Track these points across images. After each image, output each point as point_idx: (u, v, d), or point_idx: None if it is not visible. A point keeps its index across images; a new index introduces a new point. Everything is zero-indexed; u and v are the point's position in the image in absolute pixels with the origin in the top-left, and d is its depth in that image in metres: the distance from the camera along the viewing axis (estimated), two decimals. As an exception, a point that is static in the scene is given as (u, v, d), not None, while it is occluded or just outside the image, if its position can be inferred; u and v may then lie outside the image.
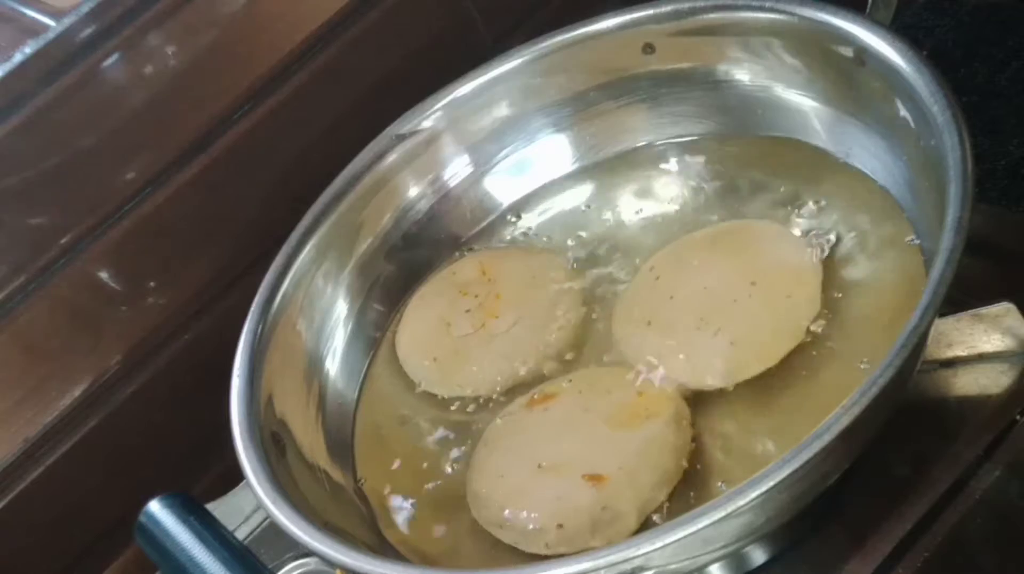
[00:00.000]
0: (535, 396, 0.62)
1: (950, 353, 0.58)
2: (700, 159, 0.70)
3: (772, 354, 0.58)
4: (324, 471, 0.63)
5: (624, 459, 0.56)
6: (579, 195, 0.73)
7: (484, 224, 0.74)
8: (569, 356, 0.65)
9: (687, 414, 0.58)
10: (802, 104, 0.66)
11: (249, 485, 0.56)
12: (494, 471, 0.59)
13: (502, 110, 0.73)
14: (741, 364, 0.58)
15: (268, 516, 0.55)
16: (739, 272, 0.61)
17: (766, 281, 0.60)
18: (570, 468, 0.56)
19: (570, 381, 0.62)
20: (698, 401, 0.59)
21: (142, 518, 0.58)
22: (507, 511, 0.57)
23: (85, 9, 0.65)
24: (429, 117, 0.72)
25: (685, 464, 0.56)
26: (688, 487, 0.56)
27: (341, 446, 0.65)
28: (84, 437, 0.72)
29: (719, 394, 0.58)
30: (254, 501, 0.56)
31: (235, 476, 0.59)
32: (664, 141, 0.72)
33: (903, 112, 0.58)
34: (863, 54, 0.59)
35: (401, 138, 0.72)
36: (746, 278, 0.60)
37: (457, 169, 0.74)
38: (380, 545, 0.59)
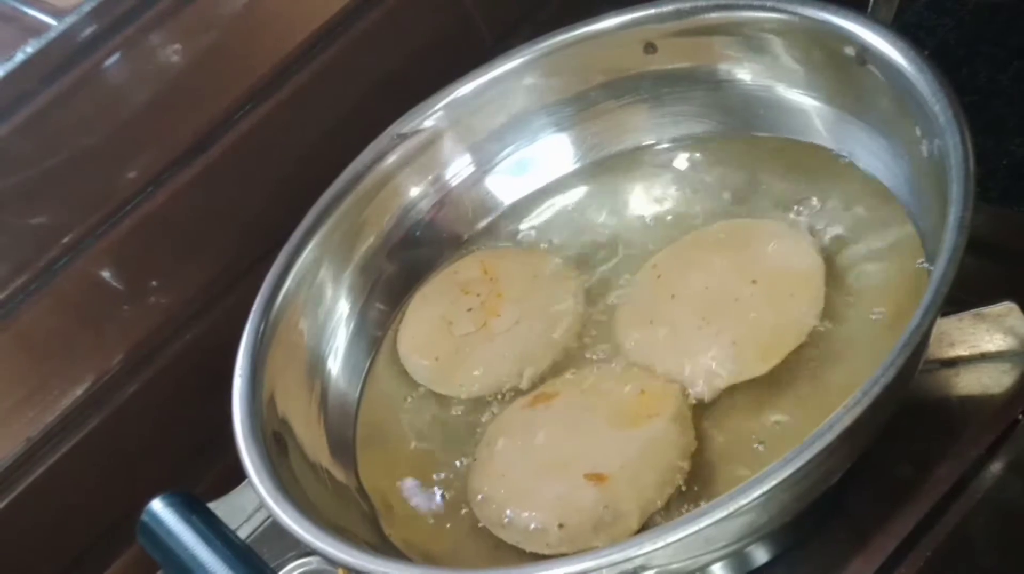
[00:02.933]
0: (536, 394, 0.62)
1: (952, 353, 0.58)
2: (702, 158, 0.70)
3: (774, 353, 0.58)
4: (326, 470, 0.63)
5: (626, 458, 0.56)
6: (581, 194, 0.73)
7: (486, 223, 0.74)
8: (571, 355, 0.64)
9: (689, 413, 0.58)
10: (804, 103, 0.66)
11: (251, 484, 0.56)
12: (495, 471, 0.59)
13: (503, 110, 0.73)
14: (743, 363, 0.58)
15: (270, 515, 0.55)
16: (741, 271, 0.61)
17: (768, 280, 0.60)
18: (572, 468, 0.56)
19: (571, 379, 0.62)
20: (701, 400, 0.59)
21: (144, 517, 0.58)
22: (508, 511, 0.57)
23: (86, 8, 0.65)
24: (430, 117, 0.72)
25: (687, 463, 0.56)
26: (691, 486, 0.56)
27: (343, 445, 0.65)
28: (86, 436, 0.72)
29: (722, 393, 0.58)
30: (256, 500, 0.56)
31: (237, 475, 0.59)
32: (666, 140, 0.72)
33: (905, 111, 0.58)
34: (865, 53, 0.59)
35: (402, 138, 0.72)
36: (748, 277, 0.60)
37: (459, 169, 0.74)
38: (382, 544, 0.59)
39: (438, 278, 0.71)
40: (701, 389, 0.59)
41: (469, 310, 0.67)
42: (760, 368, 0.58)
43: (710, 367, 0.58)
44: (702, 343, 0.59)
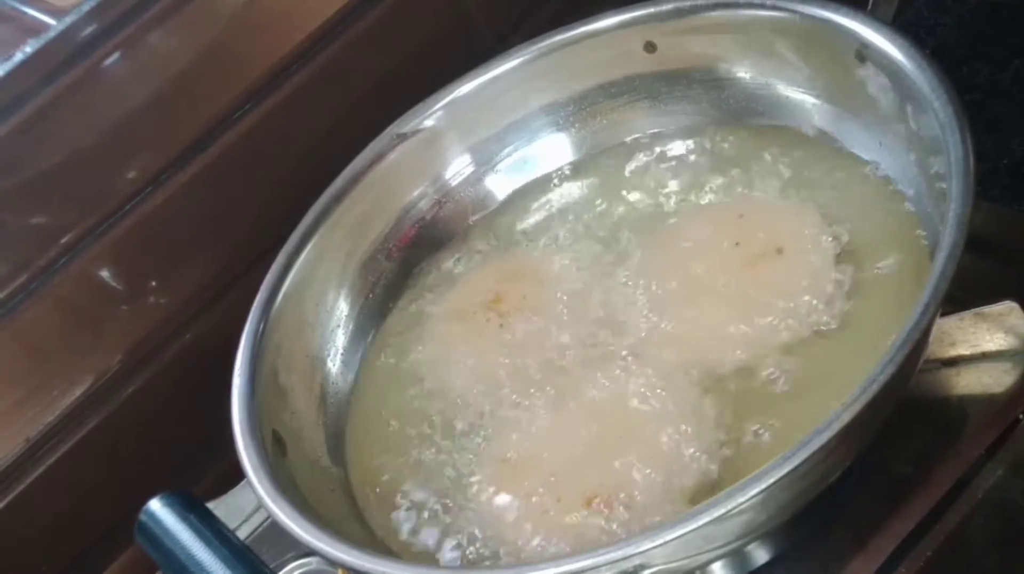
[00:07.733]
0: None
1: (953, 352, 0.58)
2: (701, 154, 0.70)
3: None
4: (325, 470, 0.63)
5: None
6: (581, 193, 0.72)
7: (485, 224, 0.74)
8: (576, 351, 0.64)
9: None
10: (804, 101, 0.66)
11: (250, 484, 0.56)
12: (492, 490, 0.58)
13: (503, 109, 0.73)
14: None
15: (269, 515, 0.55)
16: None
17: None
18: (579, 485, 0.55)
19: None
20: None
21: (142, 516, 0.58)
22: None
23: (86, 8, 0.65)
24: (430, 116, 0.72)
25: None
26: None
27: (342, 445, 0.65)
28: (85, 436, 0.72)
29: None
30: (255, 500, 0.56)
31: (236, 475, 0.59)
32: (665, 138, 0.71)
33: (905, 110, 0.58)
34: (865, 51, 0.59)
35: (402, 137, 0.72)
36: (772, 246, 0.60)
37: (458, 168, 0.74)
38: (380, 544, 0.59)
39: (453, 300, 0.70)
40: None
41: (487, 320, 0.66)
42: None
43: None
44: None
